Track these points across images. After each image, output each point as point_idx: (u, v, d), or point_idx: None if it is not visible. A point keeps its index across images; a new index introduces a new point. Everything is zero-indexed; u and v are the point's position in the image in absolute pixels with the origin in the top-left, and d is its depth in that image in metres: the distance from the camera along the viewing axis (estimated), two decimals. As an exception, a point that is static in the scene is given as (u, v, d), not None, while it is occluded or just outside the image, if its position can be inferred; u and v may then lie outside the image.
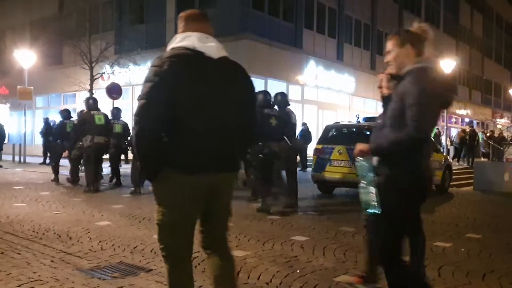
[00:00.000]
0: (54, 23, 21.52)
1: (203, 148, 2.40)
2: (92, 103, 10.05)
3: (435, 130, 25.80)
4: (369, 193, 2.73)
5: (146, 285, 3.78)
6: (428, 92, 2.49)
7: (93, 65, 18.28)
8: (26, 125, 19.47)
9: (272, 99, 7.90)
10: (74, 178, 10.76)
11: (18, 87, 18.68)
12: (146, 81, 2.36)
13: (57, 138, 11.79)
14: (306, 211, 7.96)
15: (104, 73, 18.99)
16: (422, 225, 3.57)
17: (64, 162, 11.85)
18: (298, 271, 4.26)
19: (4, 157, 18.39)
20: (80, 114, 10.45)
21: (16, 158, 18.94)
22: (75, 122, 10.74)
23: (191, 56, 2.40)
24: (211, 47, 2.46)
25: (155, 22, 20.43)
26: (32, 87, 18.67)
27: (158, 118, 2.31)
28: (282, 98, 8.08)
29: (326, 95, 22.07)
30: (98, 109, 10.01)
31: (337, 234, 6.00)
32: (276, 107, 7.89)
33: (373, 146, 2.71)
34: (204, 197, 2.49)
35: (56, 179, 11.36)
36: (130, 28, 20.45)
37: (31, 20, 25.08)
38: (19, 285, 3.69)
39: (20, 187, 10.35)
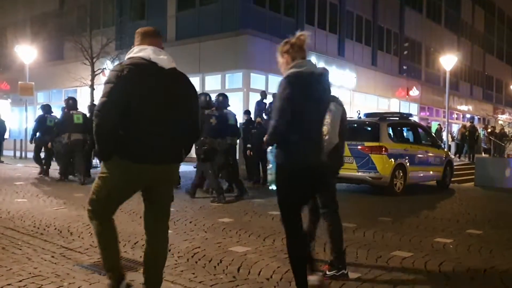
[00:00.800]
0: (55, 19, 21.49)
1: (148, 143, 2.88)
2: (71, 103, 10.98)
3: (436, 126, 25.81)
4: (271, 174, 3.40)
5: (146, 281, 3.78)
6: (286, 94, 3.10)
7: (94, 60, 18.26)
8: (28, 121, 19.46)
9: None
10: (62, 172, 11.25)
11: (19, 82, 18.67)
12: (107, 82, 2.84)
13: (36, 132, 12.43)
14: (307, 207, 7.95)
15: (105, 68, 18.95)
16: (332, 209, 4.11)
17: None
18: (298, 266, 4.25)
19: (5, 152, 18.41)
20: (63, 111, 11.33)
21: (18, 154, 18.96)
22: (58, 118, 11.75)
23: (146, 65, 2.88)
24: (163, 59, 2.96)
25: (156, 18, 20.37)
26: (33, 83, 18.66)
27: (114, 114, 2.81)
28: (223, 100, 9.01)
29: (327, 91, 22.01)
30: (76, 109, 10.97)
31: (337, 230, 6.00)
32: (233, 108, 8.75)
33: (266, 138, 3.26)
34: (144, 183, 3.00)
35: (41, 171, 12.09)
36: (131, 23, 20.41)
37: (32, 16, 25.03)
38: (20, 281, 3.70)
39: (21, 183, 10.37)
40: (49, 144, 11.72)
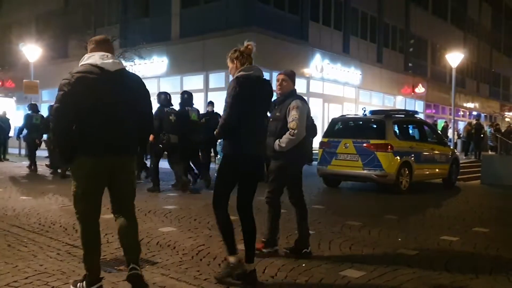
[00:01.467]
0: (60, 17, 21.50)
1: (101, 138, 3.23)
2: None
3: (442, 123, 25.68)
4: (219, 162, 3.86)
5: (151, 278, 3.78)
6: (236, 93, 3.58)
7: (99, 58, 18.30)
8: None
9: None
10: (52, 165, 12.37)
11: (24, 80, 18.72)
12: (59, 90, 3.20)
13: (22, 130, 13.62)
14: (311, 204, 7.94)
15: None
16: (275, 198, 4.74)
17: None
18: (303, 265, 4.24)
19: (10, 150, 18.49)
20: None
21: (23, 152, 19.03)
22: (43, 117, 12.93)
23: (94, 70, 3.22)
24: (109, 63, 3.27)
25: (160, 15, 20.37)
26: (38, 81, 18.70)
27: (67, 118, 3.18)
28: (188, 98, 9.38)
29: (332, 88, 21.95)
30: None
31: (343, 228, 5.99)
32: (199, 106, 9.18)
33: (217, 130, 3.74)
34: (105, 174, 3.30)
35: (30, 166, 12.95)
36: (135, 21, 20.41)
37: (37, 14, 25.09)
38: (26, 277, 3.71)
39: (26, 180, 10.40)
40: (36, 140, 13.03)
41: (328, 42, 21.69)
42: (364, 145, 9.55)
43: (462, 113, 34.14)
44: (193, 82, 19.43)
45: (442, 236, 5.61)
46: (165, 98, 9.09)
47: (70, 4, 22.11)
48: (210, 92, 18.58)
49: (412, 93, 27.66)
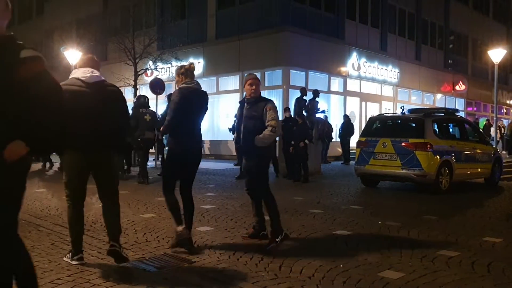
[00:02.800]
0: (99, 21, 22.10)
1: (82, 137, 3.91)
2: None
3: (484, 122, 24.85)
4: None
5: (189, 277, 3.83)
6: (178, 100, 4.60)
7: (136, 61, 18.65)
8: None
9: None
10: None
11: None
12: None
13: None
14: (349, 205, 7.85)
15: (147, 68, 19.33)
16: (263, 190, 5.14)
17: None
18: (341, 265, 4.20)
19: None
20: None
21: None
22: None
23: (76, 82, 4.03)
24: (87, 76, 4.06)
25: (196, 17, 20.61)
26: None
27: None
28: (143, 101, 10.77)
29: (369, 87, 21.63)
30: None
31: (381, 228, 5.89)
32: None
33: (162, 128, 4.73)
34: (87, 166, 4.09)
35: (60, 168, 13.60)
36: (172, 23, 20.73)
37: (78, 19, 25.86)
38: (69, 275, 3.82)
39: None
40: None
41: (365, 40, 21.38)
42: (403, 144, 9.36)
43: (505, 110, 32.89)
44: (229, 82, 19.57)
45: (485, 237, 5.44)
46: (143, 100, 10.69)
47: (110, 8, 22.68)
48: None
49: (452, 91, 26.91)
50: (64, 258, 4.21)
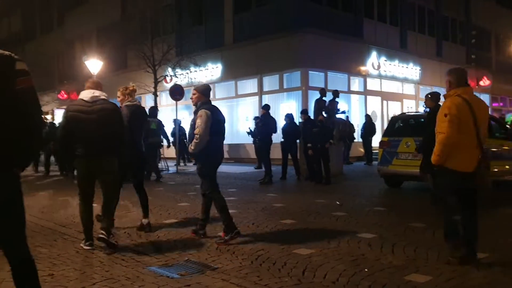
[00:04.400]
0: (118, 29, 22.35)
1: (85, 146, 4.87)
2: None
3: (511, 117, 24.26)
4: None
5: (212, 283, 3.81)
6: (126, 115, 5.57)
7: (156, 68, 18.80)
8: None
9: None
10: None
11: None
12: (63, 118, 5.24)
13: None
14: (373, 206, 7.73)
15: (167, 75, 19.46)
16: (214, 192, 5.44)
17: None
18: (366, 269, 4.12)
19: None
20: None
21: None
22: None
23: (80, 101, 4.97)
24: (88, 96, 4.96)
25: (214, 22, 20.66)
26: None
27: (65, 135, 5.02)
28: (154, 110, 12.41)
29: (390, 85, 21.33)
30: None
31: (406, 230, 5.77)
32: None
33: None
34: (92, 170, 4.94)
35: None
36: (189, 30, 20.82)
37: (98, 28, 26.24)
38: (93, 283, 3.85)
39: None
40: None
41: (384, 39, 21.12)
42: (426, 143, 9.17)
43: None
44: (247, 86, 19.57)
45: (515, 238, 5.27)
46: (152, 111, 12.14)
47: (128, 16, 22.92)
48: (264, 95, 18.63)
49: (476, 87, 26.38)
50: (81, 244, 5.03)
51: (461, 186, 4.25)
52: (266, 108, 12.08)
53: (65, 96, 27.59)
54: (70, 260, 4.58)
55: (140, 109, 6.02)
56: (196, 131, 5.17)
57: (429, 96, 7.90)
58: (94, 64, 19.96)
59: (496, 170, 10.26)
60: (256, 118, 14.45)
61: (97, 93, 4.99)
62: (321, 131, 10.92)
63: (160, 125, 12.27)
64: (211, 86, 21.46)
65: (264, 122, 11.88)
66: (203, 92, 5.48)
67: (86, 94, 4.98)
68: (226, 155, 19.53)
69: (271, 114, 12.31)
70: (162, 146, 12.95)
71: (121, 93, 5.97)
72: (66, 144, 5.05)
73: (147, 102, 21.50)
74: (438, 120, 4.29)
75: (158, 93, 19.03)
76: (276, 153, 12.53)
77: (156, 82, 18.64)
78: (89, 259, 4.60)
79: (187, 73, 19.79)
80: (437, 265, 4.24)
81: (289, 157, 12.06)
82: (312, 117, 12.86)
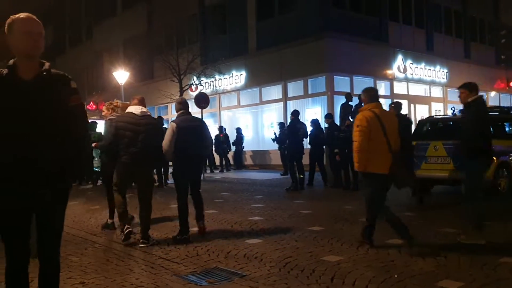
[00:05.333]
0: (144, 40, 22.75)
1: (131, 154, 5.61)
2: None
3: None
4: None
5: (240, 291, 3.81)
6: (111, 124, 5.93)
7: (181, 77, 19.03)
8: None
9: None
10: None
11: (119, 102, 19.92)
12: (110, 127, 5.92)
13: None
14: (402, 212, 7.59)
15: (192, 84, 19.67)
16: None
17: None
18: (395, 276, 4.05)
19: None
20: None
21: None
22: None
23: (131, 114, 5.75)
24: (139, 111, 5.75)
25: (237, 30, 20.79)
26: (128, 102, 19.83)
27: (113, 141, 5.78)
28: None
29: (417, 89, 21.01)
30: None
31: (436, 236, 5.66)
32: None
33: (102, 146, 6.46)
34: (130, 174, 5.71)
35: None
36: (214, 39, 21.00)
37: (124, 40, 26.76)
38: (123, 291, 3.90)
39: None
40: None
41: (410, 41, 20.85)
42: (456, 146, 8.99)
43: None
44: (272, 92, 19.59)
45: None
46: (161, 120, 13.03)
47: (154, 27, 23.30)
48: (289, 101, 18.61)
49: (507, 88, 25.72)
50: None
51: (385, 185, 5.15)
52: (295, 114, 11.94)
53: (94, 107, 28.17)
54: (100, 268, 4.65)
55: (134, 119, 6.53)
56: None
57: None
58: (121, 75, 20.34)
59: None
60: (280, 124, 14.40)
61: (144, 109, 5.82)
62: (347, 137, 10.80)
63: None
64: (235, 93, 21.78)
65: (291, 130, 11.64)
66: (181, 105, 6.18)
67: (135, 109, 5.77)
68: (250, 161, 19.57)
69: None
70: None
71: (106, 108, 6.69)
72: (111, 149, 5.75)
73: (173, 111, 21.75)
74: (353, 130, 5.17)
75: (184, 102, 19.21)
76: (303, 159, 12.47)
77: (182, 91, 18.86)
78: (119, 267, 4.66)
79: (212, 81, 19.95)
80: (470, 270, 4.14)
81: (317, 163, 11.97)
82: (337, 122, 12.74)
